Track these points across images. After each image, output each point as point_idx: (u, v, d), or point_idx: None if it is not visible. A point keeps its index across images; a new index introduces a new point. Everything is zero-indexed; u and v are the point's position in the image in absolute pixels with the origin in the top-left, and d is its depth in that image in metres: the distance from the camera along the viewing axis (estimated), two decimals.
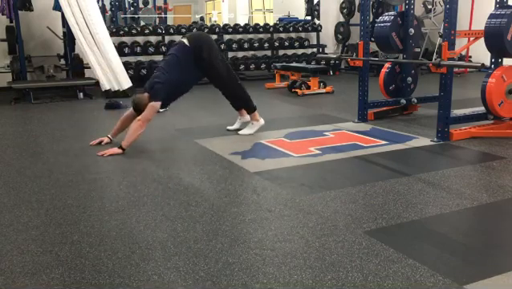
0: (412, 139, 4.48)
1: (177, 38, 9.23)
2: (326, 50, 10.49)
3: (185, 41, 4.43)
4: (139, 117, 4.16)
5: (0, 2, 7.52)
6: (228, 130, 4.82)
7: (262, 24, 10.13)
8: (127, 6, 15.01)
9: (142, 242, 2.43)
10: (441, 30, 6.71)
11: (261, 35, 9.94)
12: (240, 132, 4.69)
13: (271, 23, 11.04)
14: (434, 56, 8.37)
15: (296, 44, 10.04)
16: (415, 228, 2.56)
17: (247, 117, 4.78)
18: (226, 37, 9.66)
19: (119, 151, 4.03)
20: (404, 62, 5.65)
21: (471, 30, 6.20)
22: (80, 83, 7.47)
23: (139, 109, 4.22)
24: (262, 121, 4.76)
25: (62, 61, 8.17)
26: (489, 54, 4.59)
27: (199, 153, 4.16)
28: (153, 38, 9.15)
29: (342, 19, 10.65)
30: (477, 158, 3.94)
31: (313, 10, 12.05)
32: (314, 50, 10.33)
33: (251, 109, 4.74)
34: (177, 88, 4.41)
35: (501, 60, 4.56)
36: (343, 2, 10.50)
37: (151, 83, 4.28)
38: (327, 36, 10.65)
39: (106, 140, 4.39)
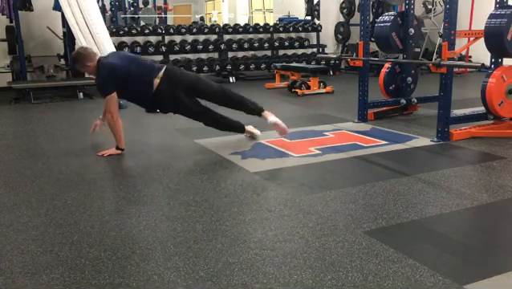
0: (412, 139, 4.48)
1: (177, 38, 9.27)
2: (326, 50, 10.50)
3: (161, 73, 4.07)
4: (107, 114, 4.01)
5: (0, 2, 7.52)
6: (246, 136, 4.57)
7: (262, 24, 10.13)
8: (127, 6, 15.01)
9: (142, 242, 2.43)
10: (441, 30, 6.72)
11: (261, 35, 9.94)
12: (270, 119, 4.31)
13: (271, 23, 11.04)
14: (434, 56, 8.37)
15: (296, 44, 10.05)
16: (415, 228, 2.56)
17: (272, 118, 4.31)
18: (226, 37, 9.66)
19: (118, 152, 4.05)
20: (404, 62, 5.65)
21: (471, 30, 6.20)
22: (80, 83, 7.47)
23: (76, 61, 4.11)
24: (257, 132, 4.53)
25: (63, 61, 8.17)
26: (489, 54, 4.59)
27: (199, 153, 4.16)
28: (153, 38, 9.15)
29: (342, 19, 10.66)
30: (477, 158, 3.94)
31: (313, 10, 12.05)
32: (314, 50, 10.34)
33: (258, 110, 4.37)
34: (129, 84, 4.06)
35: (501, 60, 4.56)
36: (343, 2, 10.50)
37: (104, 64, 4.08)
38: (327, 36, 10.65)
39: (99, 122, 4.30)
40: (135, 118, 5.38)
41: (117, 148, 4.06)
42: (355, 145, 4.28)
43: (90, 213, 2.81)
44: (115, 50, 7.44)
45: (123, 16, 13.95)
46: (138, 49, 8.76)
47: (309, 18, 12.10)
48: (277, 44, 9.91)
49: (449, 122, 4.36)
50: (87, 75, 7.83)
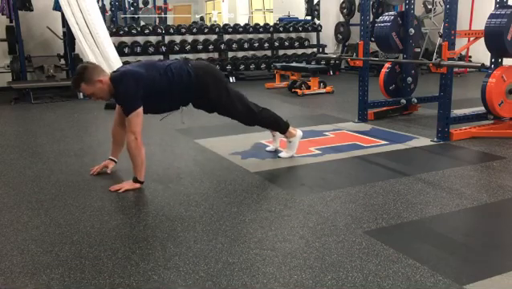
0: (412, 139, 4.48)
1: (177, 38, 9.27)
2: (326, 50, 10.50)
3: (190, 70, 3.48)
4: (129, 134, 3.19)
5: (0, 2, 7.52)
6: (268, 151, 4.08)
7: (262, 24, 10.13)
8: (127, 6, 15.00)
9: (142, 241, 2.43)
10: (441, 30, 6.71)
11: (261, 35, 9.94)
12: (280, 155, 3.91)
13: (271, 23, 11.04)
14: (434, 56, 8.37)
15: (296, 44, 10.05)
16: (415, 228, 2.56)
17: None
18: (226, 37, 9.66)
19: (137, 185, 3.21)
20: (404, 62, 5.65)
21: (471, 30, 6.20)
22: None
23: (80, 77, 3.21)
24: (299, 133, 3.96)
25: (62, 61, 8.16)
26: (489, 54, 4.59)
27: (199, 153, 4.16)
28: (153, 38, 9.16)
29: (342, 19, 10.66)
30: (477, 158, 3.94)
31: (313, 10, 12.05)
32: (314, 50, 10.34)
33: (284, 129, 3.89)
34: (156, 95, 3.36)
35: (501, 60, 4.55)
36: (343, 2, 10.50)
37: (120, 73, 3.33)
38: (327, 36, 10.66)
39: (111, 165, 3.60)
40: None
41: (135, 180, 3.22)
42: (355, 145, 4.28)
43: (90, 213, 2.81)
44: (115, 50, 7.46)
45: (123, 16, 13.95)
46: (138, 49, 8.77)
47: (309, 18, 12.10)
48: (277, 44, 9.91)
49: (449, 122, 4.36)
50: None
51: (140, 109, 3.20)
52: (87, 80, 3.19)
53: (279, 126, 3.91)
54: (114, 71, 3.42)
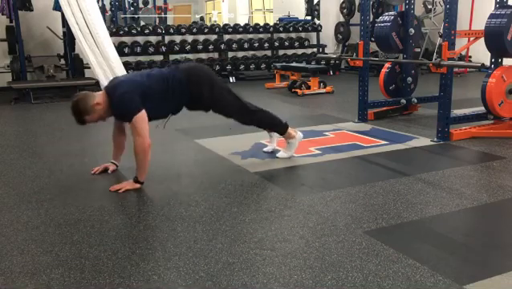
0: (412, 139, 4.48)
1: (177, 38, 9.27)
2: (326, 50, 10.50)
3: (182, 75, 3.45)
4: (136, 137, 3.16)
5: (0, 2, 7.52)
6: (265, 152, 4.05)
7: (262, 24, 10.13)
8: (127, 6, 15.00)
9: (142, 242, 2.43)
10: (441, 30, 6.71)
11: (261, 35, 9.94)
12: (278, 156, 3.89)
13: (271, 23, 11.04)
14: (434, 56, 8.37)
15: (296, 44, 10.05)
16: (415, 228, 2.56)
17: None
18: (226, 37, 9.66)
19: (137, 185, 3.21)
20: (404, 62, 5.65)
21: (471, 30, 6.20)
22: (80, 83, 7.47)
23: (79, 114, 3.19)
24: (299, 135, 3.94)
25: (62, 61, 8.17)
26: (489, 54, 4.59)
27: (199, 153, 4.16)
28: (153, 38, 9.15)
29: (342, 19, 10.66)
30: (477, 158, 3.94)
31: (313, 10, 12.05)
32: (314, 50, 10.34)
33: (282, 130, 3.86)
34: (156, 100, 3.35)
35: (501, 60, 4.56)
36: (343, 2, 10.51)
37: (113, 87, 3.29)
38: (327, 36, 10.66)
39: (112, 167, 3.61)
40: None
41: (136, 180, 3.22)
42: (355, 145, 4.28)
43: (90, 213, 2.81)
44: (115, 50, 7.46)
45: (123, 16, 13.95)
46: (138, 49, 8.77)
47: (309, 18, 12.10)
48: (277, 44, 9.90)
49: (449, 122, 4.36)
50: (87, 75, 7.88)
51: (143, 113, 3.16)
52: (87, 111, 3.17)
53: (277, 127, 3.88)
54: (106, 86, 3.40)
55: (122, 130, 3.57)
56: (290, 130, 3.87)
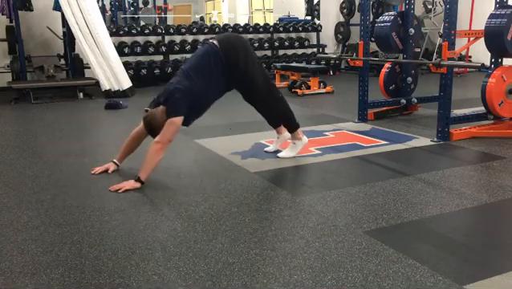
0: (412, 139, 4.48)
1: (177, 38, 9.27)
2: (326, 50, 10.50)
3: (215, 42, 3.50)
4: (157, 138, 3.27)
5: (0, 2, 7.52)
6: (266, 152, 4.05)
7: (262, 24, 10.14)
8: (127, 6, 15.00)
9: (142, 242, 2.43)
10: (441, 30, 6.71)
11: (261, 35, 9.94)
12: (279, 155, 3.89)
13: (271, 23, 11.05)
14: (434, 56, 8.37)
15: (296, 44, 10.05)
16: (415, 228, 2.56)
17: (286, 134, 3.97)
18: None
19: (137, 185, 3.20)
20: (404, 62, 5.65)
21: (471, 30, 6.20)
22: (80, 83, 7.48)
23: (153, 131, 3.32)
24: (305, 139, 3.96)
25: (62, 61, 8.17)
26: (489, 54, 4.59)
27: (199, 153, 4.16)
28: (153, 38, 9.15)
29: (342, 19, 10.66)
30: (477, 158, 3.94)
31: (313, 10, 12.05)
32: (315, 50, 10.34)
33: (293, 127, 3.91)
34: (200, 101, 3.46)
35: (501, 60, 4.56)
36: (343, 2, 10.51)
37: (166, 93, 3.35)
38: (327, 36, 10.66)
39: (112, 167, 3.59)
40: (134, 118, 5.37)
41: (138, 179, 3.22)
42: (355, 145, 4.28)
43: (90, 213, 2.81)
44: (115, 50, 7.47)
45: (123, 16, 13.94)
46: (138, 49, 8.77)
47: (309, 18, 12.10)
48: (277, 44, 9.91)
49: (449, 122, 4.36)
50: (87, 75, 7.88)
51: (180, 119, 3.28)
52: (158, 124, 3.29)
53: (290, 122, 3.93)
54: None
55: (141, 138, 3.59)
56: (299, 131, 3.92)
